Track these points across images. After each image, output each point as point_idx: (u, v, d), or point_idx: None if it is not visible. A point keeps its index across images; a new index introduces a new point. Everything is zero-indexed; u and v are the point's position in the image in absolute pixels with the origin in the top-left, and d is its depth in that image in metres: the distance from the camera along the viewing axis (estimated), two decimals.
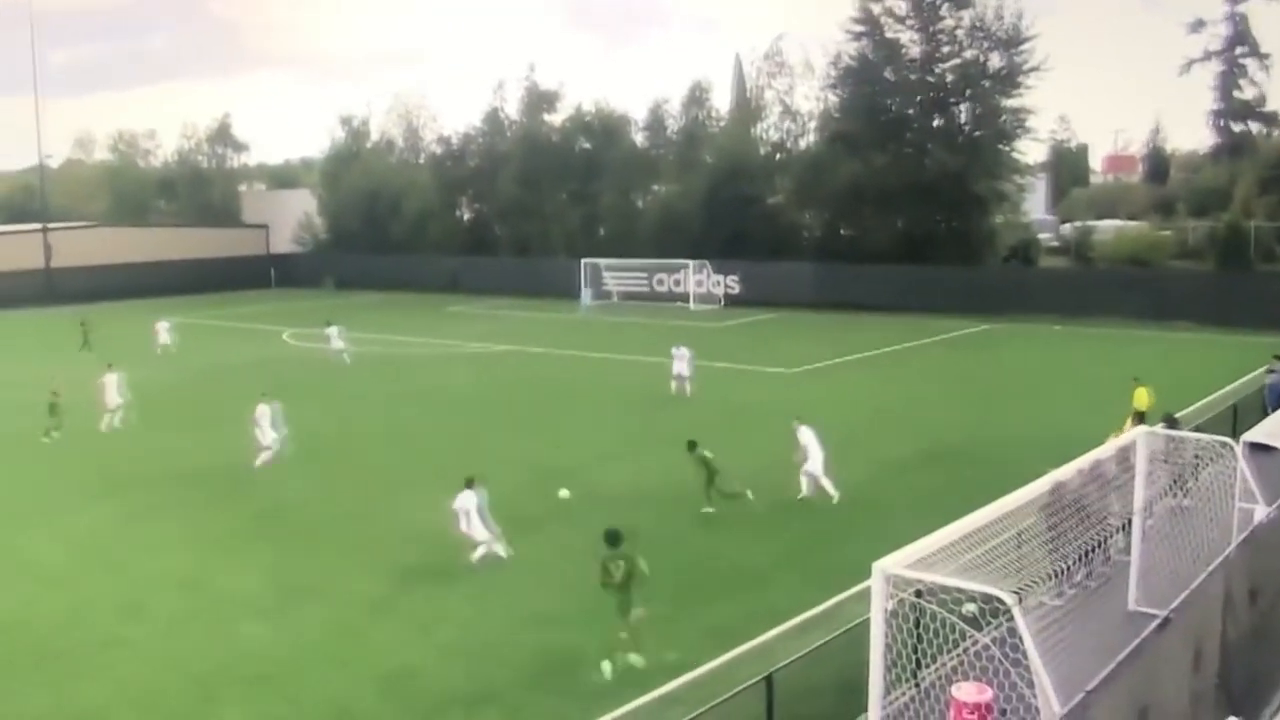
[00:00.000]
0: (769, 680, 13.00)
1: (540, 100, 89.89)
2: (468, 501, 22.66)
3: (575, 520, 24.84)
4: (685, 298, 72.61)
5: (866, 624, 12.39)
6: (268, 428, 30.37)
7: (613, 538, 18.02)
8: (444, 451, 31.98)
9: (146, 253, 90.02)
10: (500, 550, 22.71)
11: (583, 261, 77.46)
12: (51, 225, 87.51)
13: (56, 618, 19.99)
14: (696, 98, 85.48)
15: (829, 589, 19.96)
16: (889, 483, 27.81)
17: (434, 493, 27.22)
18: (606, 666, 17.22)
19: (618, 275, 76.92)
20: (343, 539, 24.20)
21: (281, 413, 31.03)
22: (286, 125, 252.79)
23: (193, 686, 16.96)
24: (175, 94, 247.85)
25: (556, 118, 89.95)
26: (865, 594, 14.26)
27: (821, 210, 77.36)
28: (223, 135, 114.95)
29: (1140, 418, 26.31)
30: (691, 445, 26.06)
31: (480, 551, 22.56)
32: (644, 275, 76.02)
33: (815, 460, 26.58)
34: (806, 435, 26.88)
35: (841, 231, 76.35)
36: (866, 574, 12.33)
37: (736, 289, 72.31)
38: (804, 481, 26.67)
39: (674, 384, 39.84)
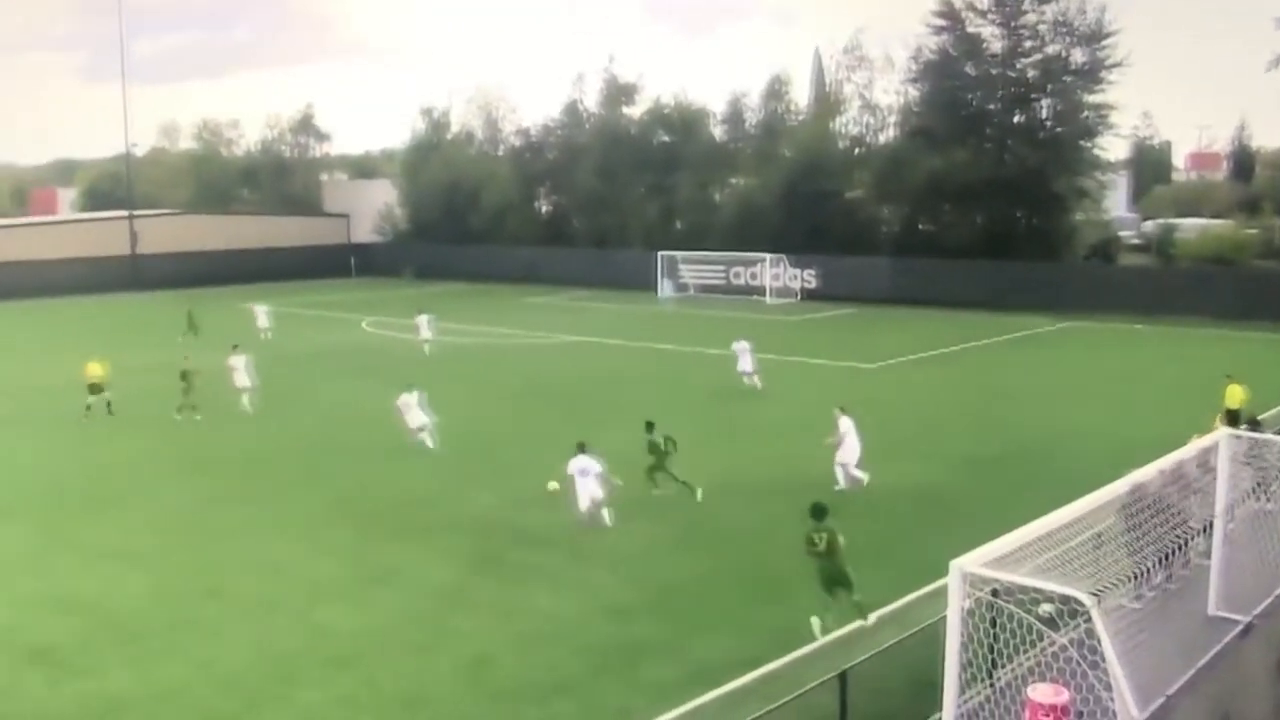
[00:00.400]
0: (842, 677, 13.00)
1: (619, 92, 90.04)
2: (581, 465, 24.11)
3: (652, 514, 25.00)
4: (762, 291, 72.37)
5: (941, 622, 12.34)
6: (416, 413, 30.81)
7: (818, 511, 18.96)
8: (519, 442, 32.26)
9: (229, 240, 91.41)
10: (608, 518, 24.01)
11: (659, 254, 77.50)
12: (137, 213, 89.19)
13: (140, 598, 20.44)
14: (776, 91, 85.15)
15: (904, 586, 19.90)
16: (966, 480, 27.62)
17: (509, 482, 27.61)
18: (816, 623, 18.20)
19: (695, 268, 76.88)
20: (421, 525, 24.53)
21: (426, 400, 31.63)
22: (368, 116, 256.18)
23: (272, 667, 17.30)
24: (259, 83, 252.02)
25: (635, 110, 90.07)
26: (940, 592, 14.23)
27: (900, 205, 76.86)
28: (305, 125, 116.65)
29: (1232, 416, 25.88)
30: (649, 426, 26.63)
31: (589, 510, 23.98)
32: (721, 268, 75.89)
33: (850, 451, 26.97)
34: (846, 425, 27.27)
35: (920, 227, 75.73)
36: (942, 572, 12.28)
37: (814, 283, 71.95)
38: (838, 473, 27.04)
39: (745, 380, 39.56)
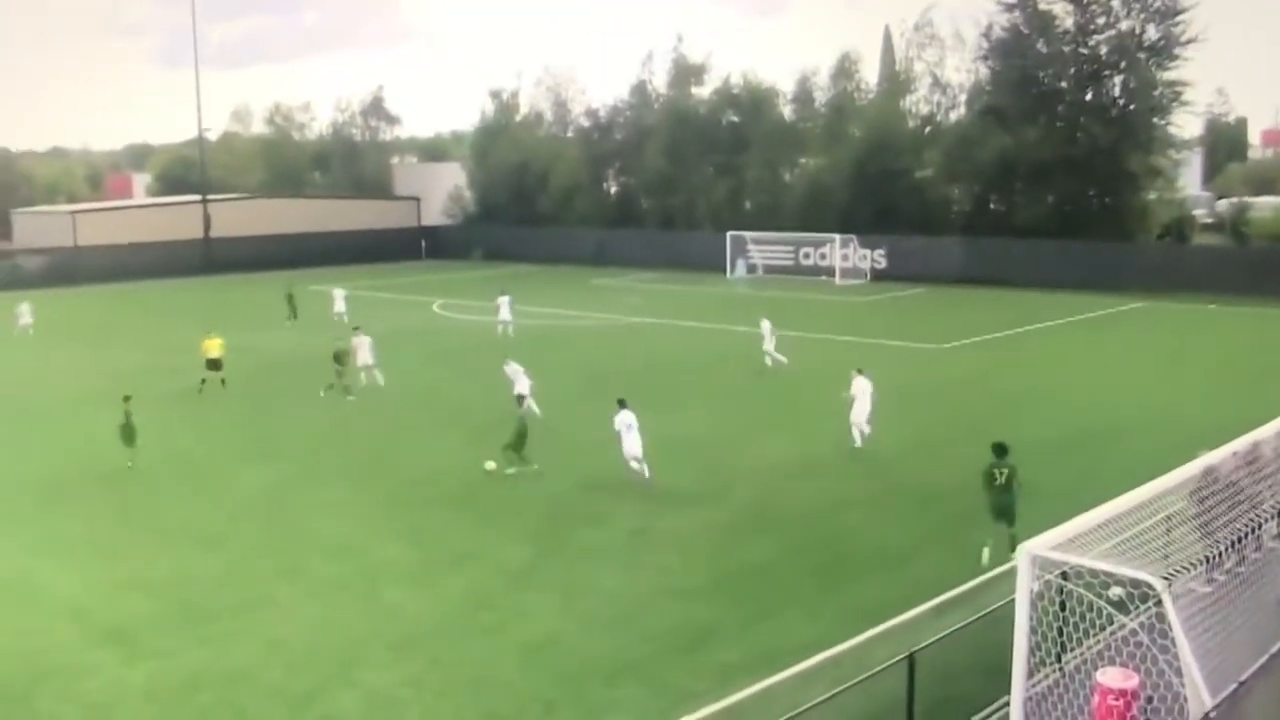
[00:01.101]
0: (910, 660, 12.94)
1: (687, 73, 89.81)
2: (627, 419, 25.93)
3: (719, 496, 25.05)
4: (831, 272, 71.95)
5: (1010, 606, 12.25)
6: (521, 381, 31.61)
7: (1000, 449, 20.88)
8: (587, 423, 32.36)
9: (301, 224, 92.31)
10: (646, 471, 25.50)
11: (728, 234, 77.28)
12: (210, 197, 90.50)
13: (213, 579, 20.78)
14: (845, 70, 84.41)
15: (972, 569, 19.75)
16: (1036, 462, 27.09)
17: (577, 464, 27.75)
18: (985, 552, 20.05)
19: (763, 249, 76.59)
20: (488, 507, 24.73)
21: (524, 371, 32.78)
22: (437, 98, 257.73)
23: (341, 648, 17.50)
24: (330, 67, 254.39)
25: (703, 90, 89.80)
26: (1009, 575, 14.11)
27: (970, 184, 76.09)
28: (376, 108, 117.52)
29: None
30: (519, 399, 28.38)
31: (636, 465, 25.65)
32: (790, 249, 75.54)
33: (860, 412, 28.71)
34: (860, 385, 29.04)
35: (991, 206, 75.00)
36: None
37: (883, 263, 71.40)
38: (855, 433, 28.72)
39: (769, 360, 39.89)
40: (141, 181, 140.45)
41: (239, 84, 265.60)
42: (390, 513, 24.52)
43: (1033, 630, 12.07)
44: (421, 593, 19.81)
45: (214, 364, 37.97)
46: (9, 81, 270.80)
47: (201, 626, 18.49)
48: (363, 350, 38.31)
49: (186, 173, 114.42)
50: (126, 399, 28.91)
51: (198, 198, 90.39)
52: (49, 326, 54.03)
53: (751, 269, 75.74)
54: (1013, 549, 18.30)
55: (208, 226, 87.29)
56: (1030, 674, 12.36)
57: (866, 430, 28.77)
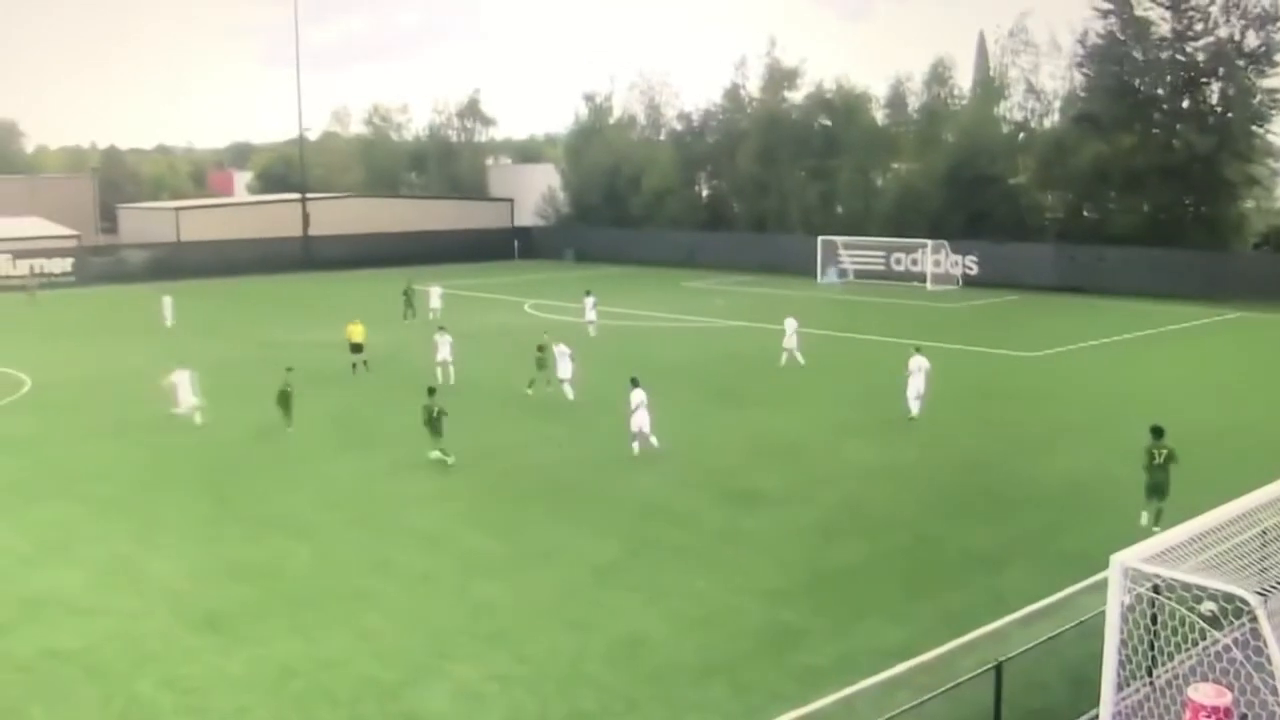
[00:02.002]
0: (998, 669, 12.87)
1: (781, 77, 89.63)
2: (641, 397, 28.69)
3: (806, 498, 25.04)
4: (922, 277, 71.36)
5: (1100, 617, 12.15)
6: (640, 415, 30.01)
7: (1158, 431, 22.76)
8: (677, 424, 32.50)
9: (396, 223, 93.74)
10: (654, 441, 28.46)
11: (819, 239, 76.96)
12: (309, 195, 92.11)
13: (307, 569, 21.25)
14: (939, 75, 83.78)
15: (1061, 579, 19.53)
16: (1127, 473, 26.76)
17: (666, 464, 27.90)
18: (1145, 516, 22.06)
19: (854, 253, 76.14)
20: (576, 504, 24.95)
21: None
22: (532, 101, 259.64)
23: (430, 641, 17.80)
24: (427, 69, 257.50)
25: (796, 94, 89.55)
26: (1099, 586, 13.97)
27: (1064, 191, 75.06)
28: (472, 110, 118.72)
29: None
30: (430, 391, 29.92)
31: (644, 439, 28.45)
32: (881, 254, 75.05)
33: (914, 387, 32.38)
34: (916, 364, 32.61)
35: (1084, 213, 73.89)
36: (1101, 565, 12.10)
37: (975, 270, 70.69)
38: (912, 405, 32.24)
39: (784, 356, 41.50)
40: (243, 179, 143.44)
41: (339, 85, 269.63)
42: (482, 507, 24.85)
43: (1123, 643, 11.96)
44: (511, 587, 20.05)
45: (356, 348, 41.30)
46: (118, 81, 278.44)
47: (296, 615, 18.92)
48: (443, 348, 39.40)
49: (287, 171, 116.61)
50: (289, 369, 32.08)
51: (297, 196, 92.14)
52: (157, 317, 55.45)
53: (842, 274, 75.30)
54: (1157, 522, 21.36)
55: (306, 224, 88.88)
56: (1120, 687, 12.25)
57: (914, 408, 32.31)
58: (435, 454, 28.37)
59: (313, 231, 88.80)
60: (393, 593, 19.95)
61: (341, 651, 17.42)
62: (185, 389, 33.42)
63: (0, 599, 19.81)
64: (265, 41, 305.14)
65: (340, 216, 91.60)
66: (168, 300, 56.92)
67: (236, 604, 19.44)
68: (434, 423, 28.56)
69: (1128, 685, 12.81)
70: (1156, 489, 22.39)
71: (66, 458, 29.82)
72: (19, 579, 20.81)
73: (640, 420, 28.70)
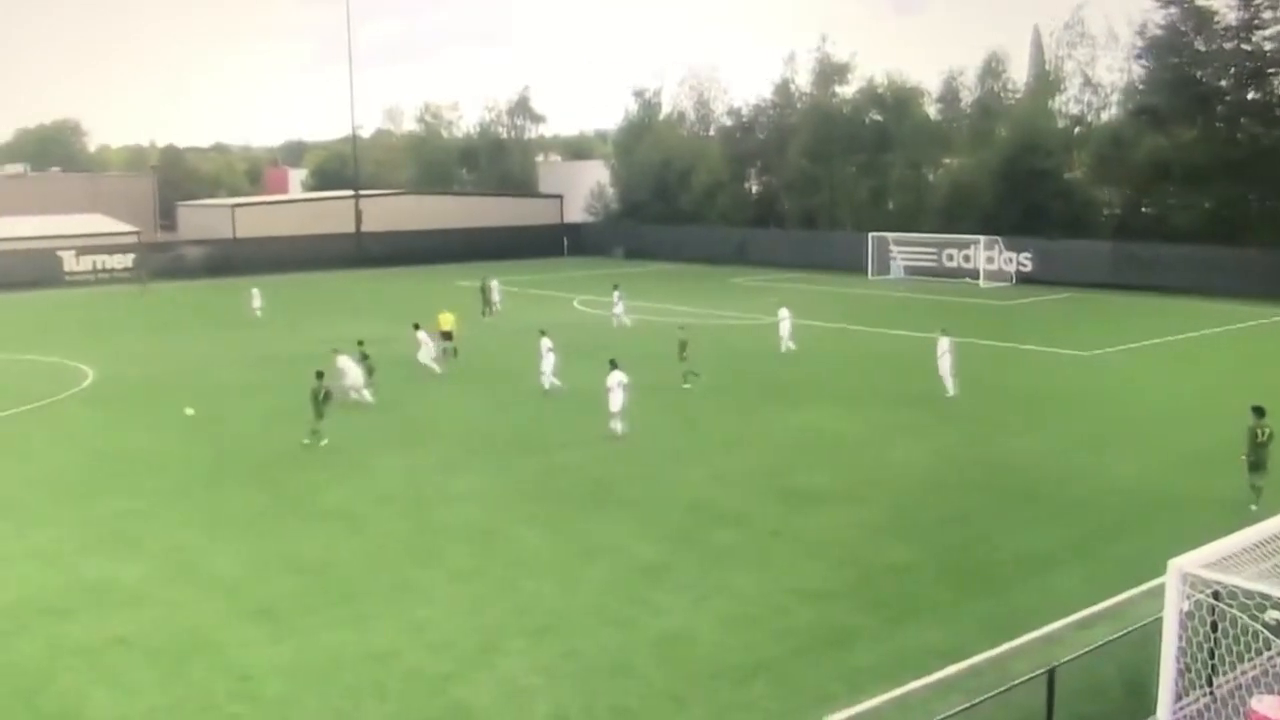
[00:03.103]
0: (1051, 674, 12.66)
1: (831, 72, 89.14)
2: (618, 378, 29.90)
3: (856, 497, 24.84)
4: (975, 274, 70.66)
5: (1157, 623, 11.92)
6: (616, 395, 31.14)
7: (1259, 411, 24.10)
8: (723, 421, 32.43)
9: (449, 220, 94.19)
10: (619, 426, 29.89)
11: (870, 235, 76.42)
12: (362, 192, 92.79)
13: (358, 561, 21.39)
14: (992, 69, 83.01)
15: (1117, 583, 19.22)
16: (1186, 476, 26.46)
17: (708, 460, 27.82)
18: (1255, 508, 22.12)
19: (906, 249, 75.53)
20: (626, 501, 24.90)
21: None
22: (581, 97, 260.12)
23: (479, 634, 17.83)
24: (477, 67, 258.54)
25: (847, 89, 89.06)
26: (1157, 591, 13.72)
27: (1121, 187, 73.89)
28: (522, 107, 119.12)
29: None
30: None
31: (617, 424, 29.87)
32: (933, 250, 74.36)
33: (944, 364, 34.93)
34: (943, 345, 35.18)
35: (1143, 209, 72.58)
36: (1158, 571, 11.87)
37: (1029, 266, 69.82)
38: (946, 383, 34.72)
39: (783, 344, 43.62)
40: (297, 176, 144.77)
41: (391, 83, 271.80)
42: (530, 503, 24.87)
43: (1182, 651, 11.72)
44: (558, 582, 20.05)
45: (447, 335, 43.06)
46: (178, 81, 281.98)
47: (346, 606, 19.05)
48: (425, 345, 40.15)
49: (341, 168, 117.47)
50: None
51: (350, 193, 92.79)
52: (215, 312, 56.03)
53: (892, 270, 74.49)
54: (1256, 501, 23.08)
55: (359, 221, 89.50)
56: (1178, 696, 12.01)
57: (950, 384, 34.76)
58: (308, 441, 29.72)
59: (365, 228, 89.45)
60: (441, 586, 20.02)
61: (391, 643, 17.53)
62: (353, 373, 35.18)
63: (64, 586, 20.17)
64: (319, 41, 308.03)
65: (392, 213, 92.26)
66: (256, 292, 58.55)
67: (289, 594, 19.64)
68: (317, 403, 30.03)
69: (1187, 694, 12.57)
70: (1258, 465, 23.71)
71: (129, 450, 30.23)
72: (83, 567, 21.18)
73: (615, 401, 29.97)
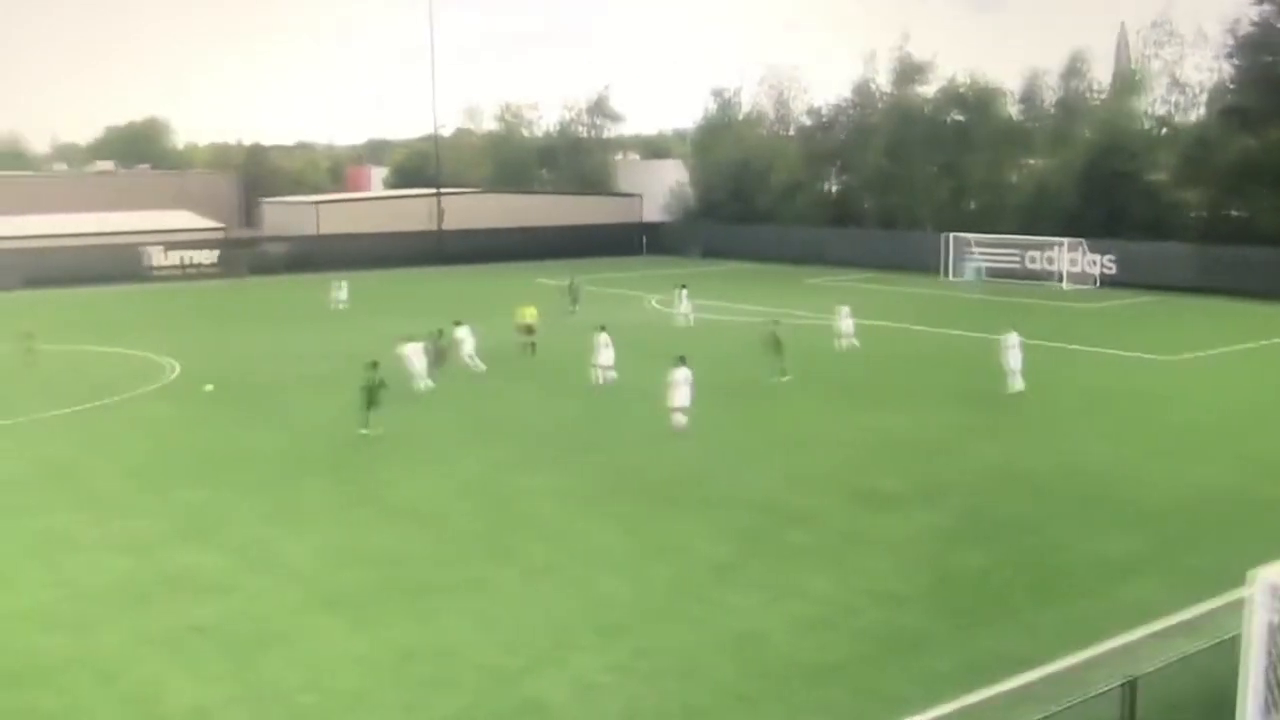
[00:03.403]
0: (1130, 685, 12.45)
1: (912, 71, 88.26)
2: (683, 375, 30.57)
3: (930, 500, 24.62)
4: (1057, 276, 69.60)
5: (1239, 636, 11.66)
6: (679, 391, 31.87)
7: None
8: (795, 421, 32.30)
9: (527, 218, 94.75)
10: (681, 420, 30.47)
11: (949, 235, 75.56)
12: (443, 190, 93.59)
13: (430, 556, 21.60)
14: (1076, 69, 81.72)
15: (1198, 593, 18.85)
16: (1270, 483, 25.90)
17: (785, 461, 27.70)
18: None
19: (986, 250, 74.57)
20: (697, 500, 24.87)
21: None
22: (661, 96, 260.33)
23: (550, 631, 17.90)
24: (557, 65, 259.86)
25: (928, 89, 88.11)
26: (1238, 603, 13.42)
27: (1208, 188, 72.23)
28: (601, 106, 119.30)
29: None
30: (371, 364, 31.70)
31: (680, 418, 30.41)
32: (1014, 251, 73.28)
33: (1011, 359, 35.36)
34: (1012, 340, 35.58)
35: (1230, 212, 71.00)
36: (1238, 580, 11.61)
37: (1112, 269, 68.59)
38: (1011, 380, 35.04)
39: (839, 342, 44.10)
40: (379, 174, 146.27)
41: (472, 82, 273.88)
42: (602, 501, 24.96)
43: (1270, 666, 11.44)
44: (629, 581, 20.09)
45: (528, 329, 43.60)
46: (264, 80, 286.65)
47: (418, 600, 19.25)
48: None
49: (422, 166, 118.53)
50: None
51: (431, 191, 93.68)
52: (297, 307, 56.85)
53: (978, 272, 73.60)
54: None
55: (440, 218, 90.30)
56: (1265, 713, 11.72)
57: (1017, 381, 35.24)
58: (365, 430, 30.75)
59: (446, 225, 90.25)
60: (514, 582, 20.14)
61: (461, 638, 17.68)
62: (417, 357, 36.91)
63: (144, 575, 20.62)
64: (402, 41, 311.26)
65: (472, 211, 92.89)
66: (342, 283, 60.56)
67: (363, 587, 19.88)
68: (371, 393, 30.96)
69: (1273, 711, 12.27)
70: None
71: (211, 442, 30.80)
72: (162, 557, 21.61)
73: (677, 397, 30.55)
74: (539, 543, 22.24)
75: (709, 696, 15.73)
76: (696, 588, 19.79)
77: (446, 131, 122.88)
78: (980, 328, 49.62)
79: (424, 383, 36.50)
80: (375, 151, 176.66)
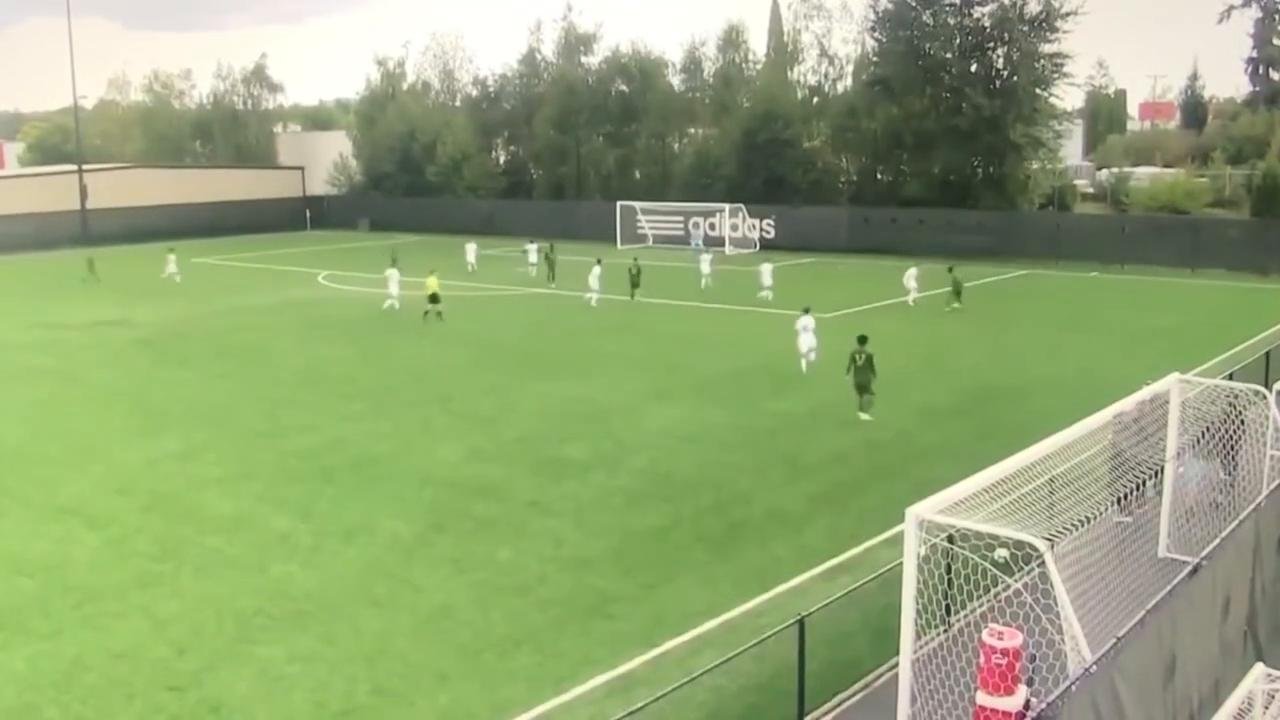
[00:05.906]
0: (801, 624, 13.13)
1: (577, 42, 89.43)
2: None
3: (613, 466, 25.07)
4: (721, 242, 72.25)
5: (899, 569, 12.49)
6: (808, 336, 33.95)
7: (863, 339, 28.98)
8: (491, 394, 32.23)
9: (182, 194, 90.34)
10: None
11: (618, 204, 77.08)
12: (87, 167, 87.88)
13: (98, 557, 20.25)
14: (732, 40, 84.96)
15: (862, 534, 20.10)
16: (922, 428, 27.88)
17: (463, 437, 27.60)
18: (865, 417, 27.91)
19: (653, 219, 76.60)
20: (378, 480, 24.41)
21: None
22: (322, 66, 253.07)
23: (230, 626, 17.20)
24: (211, 34, 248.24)
25: (593, 60, 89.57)
26: (898, 539, 14.39)
27: (858, 155, 77.11)
28: (258, 76, 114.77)
29: None
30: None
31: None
32: (679, 219, 75.70)
33: (803, 342, 33.97)
34: (804, 322, 34.20)
35: (878, 176, 76.08)
36: (900, 519, 12.42)
37: (772, 233, 72.03)
38: (804, 363, 33.87)
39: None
40: (13, 151, 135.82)
41: (117, 50, 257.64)
42: (278, 486, 24.04)
43: (920, 593, 12.32)
44: (311, 566, 19.49)
45: (434, 298, 44.65)
46: None
47: (88, 606, 18.04)
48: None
49: (63, 141, 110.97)
50: None
51: (73, 168, 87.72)
52: None
53: (640, 239, 75.16)
54: (867, 411, 28.18)
55: (84, 197, 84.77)
56: (918, 636, 12.63)
57: (810, 360, 34.11)
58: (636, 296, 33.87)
59: (91, 204, 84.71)
60: (186, 578, 19.15)
61: (134, 643, 16.64)
62: (395, 283, 43.94)
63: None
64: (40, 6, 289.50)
65: (121, 188, 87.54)
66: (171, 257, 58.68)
67: (18, 598, 18.39)
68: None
69: (925, 633, 13.23)
70: (863, 386, 28.53)
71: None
72: None
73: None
74: (213, 535, 21.23)
75: (400, 678, 15.51)
76: (384, 568, 19.43)
77: (89, 103, 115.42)
78: (647, 293, 50.86)
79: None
80: (6, 125, 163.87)
